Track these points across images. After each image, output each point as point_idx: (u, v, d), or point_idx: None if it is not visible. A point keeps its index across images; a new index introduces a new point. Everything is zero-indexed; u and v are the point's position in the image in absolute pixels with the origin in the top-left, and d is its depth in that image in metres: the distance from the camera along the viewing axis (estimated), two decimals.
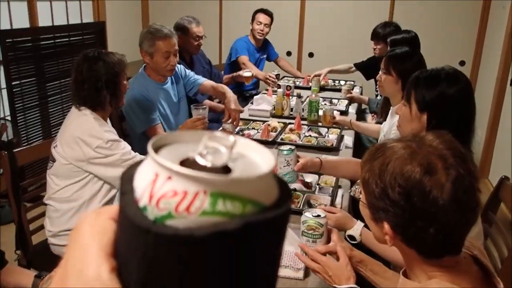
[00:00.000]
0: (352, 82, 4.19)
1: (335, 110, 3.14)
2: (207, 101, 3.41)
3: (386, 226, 0.93)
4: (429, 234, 0.88)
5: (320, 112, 3.04)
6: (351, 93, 3.74)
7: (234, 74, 3.84)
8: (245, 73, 3.70)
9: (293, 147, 1.82)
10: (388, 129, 2.40)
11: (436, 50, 4.85)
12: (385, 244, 0.99)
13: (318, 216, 1.40)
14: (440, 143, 0.92)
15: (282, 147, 1.82)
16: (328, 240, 1.38)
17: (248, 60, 4.19)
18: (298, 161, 1.83)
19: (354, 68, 4.08)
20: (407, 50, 2.33)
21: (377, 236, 1.03)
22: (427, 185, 0.86)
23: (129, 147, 2.04)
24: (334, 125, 2.90)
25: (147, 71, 2.73)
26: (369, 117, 3.69)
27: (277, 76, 4.03)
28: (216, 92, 2.91)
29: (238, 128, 2.88)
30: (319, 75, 3.91)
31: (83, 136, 1.93)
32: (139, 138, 2.55)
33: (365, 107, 4.03)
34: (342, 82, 4.19)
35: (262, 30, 4.29)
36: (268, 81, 3.93)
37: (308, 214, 1.42)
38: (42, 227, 2.15)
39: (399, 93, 2.30)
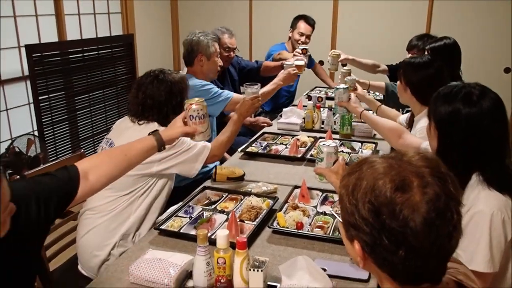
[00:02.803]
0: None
1: (357, 81, 2.93)
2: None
3: (357, 245, 0.88)
4: (398, 256, 0.81)
5: (354, 124, 2.87)
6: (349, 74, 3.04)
7: (285, 62, 3.29)
8: (297, 61, 3.20)
9: (346, 86, 2.60)
10: None
11: (478, 57, 4.60)
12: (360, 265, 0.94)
13: (326, 145, 1.76)
14: (420, 159, 0.86)
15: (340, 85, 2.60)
16: None
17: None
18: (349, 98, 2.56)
19: (381, 69, 3.73)
20: (424, 61, 2.23)
21: (352, 256, 0.96)
22: (398, 202, 0.80)
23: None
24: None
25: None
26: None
27: (304, 50, 3.50)
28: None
29: (265, 143, 2.73)
30: (339, 54, 3.47)
31: None
32: None
33: None
34: (376, 93, 3.90)
35: (303, 42, 3.98)
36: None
37: (320, 143, 1.80)
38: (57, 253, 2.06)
39: (412, 101, 2.29)
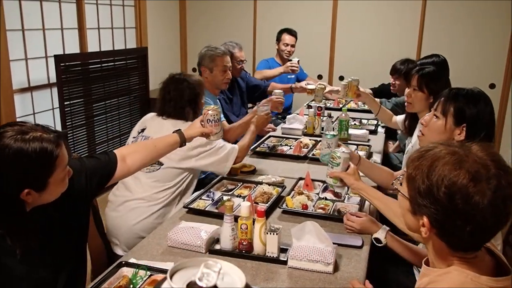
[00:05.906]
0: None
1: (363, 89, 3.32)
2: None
3: (426, 220, 1.05)
4: (465, 232, 1.00)
5: (350, 131, 3.20)
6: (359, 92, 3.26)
7: (297, 85, 3.98)
8: (309, 85, 3.74)
9: (336, 133, 2.16)
10: (415, 142, 2.52)
11: (466, 73, 4.94)
12: (415, 233, 1.13)
13: (340, 151, 1.87)
14: (485, 154, 1.03)
15: (327, 132, 2.17)
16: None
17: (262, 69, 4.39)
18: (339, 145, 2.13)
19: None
20: (437, 69, 2.56)
21: (410, 226, 1.14)
22: (471, 191, 0.98)
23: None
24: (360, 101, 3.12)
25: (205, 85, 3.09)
26: (390, 146, 3.67)
27: (298, 62, 4.22)
28: None
29: (272, 144, 3.06)
30: (324, 87, 3.72)
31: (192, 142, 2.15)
32: None
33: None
34: None
35: (289, 51, 4.57)
36: (292, 68, 4.14)
37: (336, 149, 1.91)
38: None
39: (427, 109, 2.45)
